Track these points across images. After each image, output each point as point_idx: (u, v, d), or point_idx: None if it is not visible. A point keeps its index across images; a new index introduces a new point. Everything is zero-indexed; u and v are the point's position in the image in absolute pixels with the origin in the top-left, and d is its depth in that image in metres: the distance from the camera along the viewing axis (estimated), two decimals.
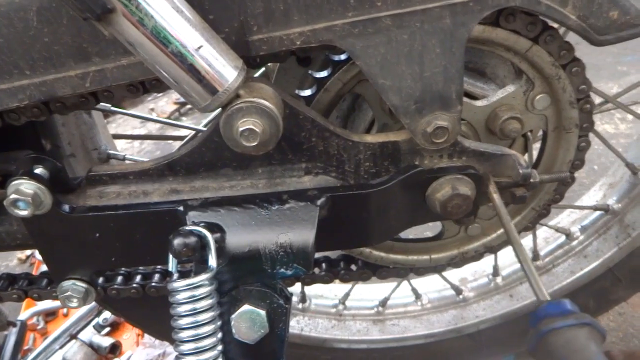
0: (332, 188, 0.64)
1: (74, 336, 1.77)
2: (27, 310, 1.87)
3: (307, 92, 0.68)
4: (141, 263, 0.69)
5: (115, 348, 1.71)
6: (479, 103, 0.70)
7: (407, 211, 0.68)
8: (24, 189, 0.59)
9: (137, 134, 1.00)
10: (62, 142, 0.84)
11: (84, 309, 1.85)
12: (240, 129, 0.55)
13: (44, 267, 2.12)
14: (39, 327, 1.89)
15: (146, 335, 1.63)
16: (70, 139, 0.86)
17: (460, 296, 1.26)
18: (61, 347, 1.74)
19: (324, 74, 0.66)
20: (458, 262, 0.87)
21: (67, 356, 1.64)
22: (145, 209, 0.64)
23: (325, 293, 1.26)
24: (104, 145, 0.95)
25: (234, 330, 0.57)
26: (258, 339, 0.57)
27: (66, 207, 0.62)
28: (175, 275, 0.54)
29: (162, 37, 0.49)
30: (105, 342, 1.71)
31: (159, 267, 0.82)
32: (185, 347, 0.53)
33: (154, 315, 1.01)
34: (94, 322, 1.80)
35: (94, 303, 1.91)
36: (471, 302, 1.26)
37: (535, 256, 1.22)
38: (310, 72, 0.68)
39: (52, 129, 0.83)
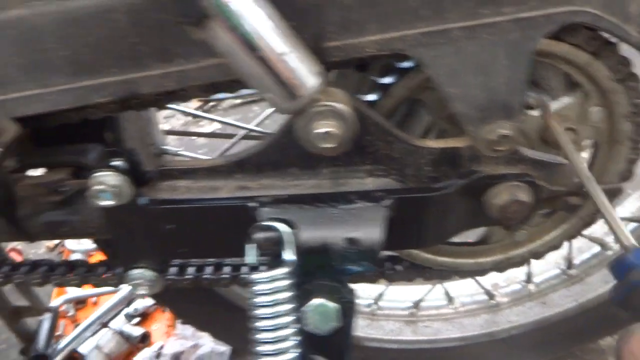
0: (397, 190, 0.66)
1: (105, 324, 1.82)
2: (58, 298, 1.93)
3: (369, 97, 0.70)
4: (209, 255, 0.72)
5: (145, 338, 1.76)
6: (534, 113, 0.72)
7: (464, 215, 0.70)
8: (108, 181, 0.62)
9: (188, 131, 1.03)
10: (124, 136, 0.87)
11: (115, 298, 1.90)
12: (318, 131, 0.57)
13: (73, 256, 2.17)
14: (69, 314, 1.94)
15: (178, 327, 1.67)
16: (132, 134, 0.89)
17: (493, 301, 1.28)
18: (93, 335, 1.79)
19: (388, 80, 0.69)
20: (503, 267, 0.89)
21: (100, 344, 1.69)
22: (216, 204, 0.67)
23: (359, 293, 1.28)
24: (158, 140, 0.99)
25: (305, 322, 0.60)
26: (329, 331, 0.60)
27: (144, 199, 0.65)
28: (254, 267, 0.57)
29: (253, 43, 0.51)
30: (136, 331, 1.75)
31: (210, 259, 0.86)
32: (264, 336, 0.56)
33: (198, 306, 1.05)
34: (124, 312, 1.85)
35: (126, 292, 1.95)
36: (504, 308, 1.28)
37: (569, 265, 1.23)
38: (372, 77, 0.71)
39: (116, 123, 0.86)
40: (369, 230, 0.62)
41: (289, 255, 0.57)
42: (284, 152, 0.67)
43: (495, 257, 0.88)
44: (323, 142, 0.58)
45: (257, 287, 0.56)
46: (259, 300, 0.56)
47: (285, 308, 0.57)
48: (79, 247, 2.13)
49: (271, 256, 0.58)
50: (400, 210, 0.66)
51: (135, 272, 0.72)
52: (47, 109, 0.63)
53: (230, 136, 1.06)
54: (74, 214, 0.70)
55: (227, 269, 0.74)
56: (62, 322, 1.91)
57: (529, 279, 1.25)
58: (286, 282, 0.56)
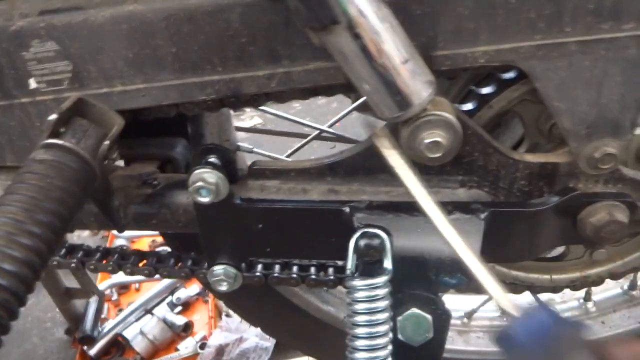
0: (494, 203, 0.65)
1: (148, 311, 1.85)
2: (103, 282, 1.97)
3: (467, 107, 0.69)
4: (295, 256, 0.72)
5: (188, 327, 1.78)
6: (636, 131, 0.70)
7: (556, 232, 0.69)
8: (208, 178, 0.62)
9: (258, 128, 1.04)
10: (205, 132, 0.88)
11: (159, 286, 1.93)
12: (426, 140, 0.57)
13: (118, 242, 2.21)
14: (112, 298, 1.98)
15: (224, 319, 1.69)
16: (212, 129, 0.90)
17: None
18: (137, 320, 1.82)
19: (488, 90, 0.67)
20: (578, 285, 0.87)
21: (145, 329, 1.72)
22: (307, 206, 0.67)
23: None
24: (233, 136, 0.99)
25: (398, 331, 0.59)
26: (422, 342, 0.59)
27: (237, 197, 0.66)
28: (352, 274, 0.56)
29: (375, 50, 0.51)
30: (179, 320, 1.78)
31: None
32: (360, 343, 0.55)
33: (260, 306, 1.05)
34: (167, 300, 1.88)
35: (170, 281, 1.97)
36: None
37: (633, 286, 1.20)
38: (472, 87, 0.70)
39: (199, 118, 0.87)
40: (467, 242, 0.61)
41: (389, 263, 0.56)
42: (379, 159, 0.66)
43: (571, 275, 0.86)
44: (429, 152, 0.58)
45: (356, 294, 0.55)
46: (357, 307, 0.56)
47: (382, 316, 0.57)
48: (122, 234, 2.17)
49: (369, 263, 0.58)
50: (492, 224, 0.65)
51: (218, 268, 0.73)
52: (151, 104, 0.64)
53: (299, 135, 1.06)
54: (164, 208, 0.71)
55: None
56: (105, 306, 1.94)
57: (587, 296, 1.22)
58: (385, 291, 0.55)
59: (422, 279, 0.60)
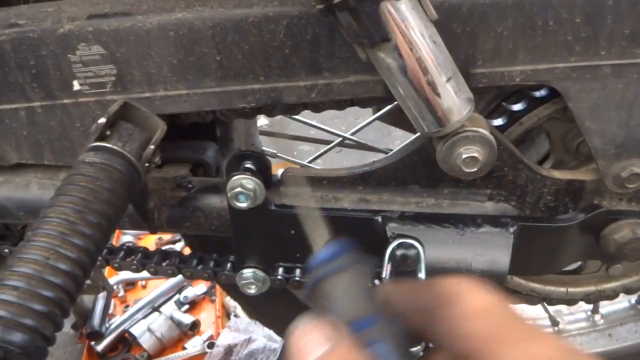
0: (523, 218, 0.67)
1: (156, 309, 1.86)
2: (111, 278, 1.98)
3: (497, 122, 0.71)
4: None
5: (195, 326, 1.80)
6: None
7: (580, 247, 0.71)
8: (246, 184, 0.64)
9: (279, 133, 1.05)
10: (234, 136, 0.90)
11: (167, 284, 1.94)
12: (464, 156, 0.58)
13: (124, 238, 2.22)
14: (119, 294, 1.99)
15: (232, 319, 1.70)
16: (240, 134, 0.92)
17: (556, 328, 1.27)
18: (144, 317, 1.83)
19: (519, 107, 0.69)
20: (593, 298, 0.89)
21: (153, 327, 1.73)
22: (339, 214, 0.68)
23: None
24: (257, 141, 1.01)
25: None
26: None
27: (272, 203, 0.67)
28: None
29: (421, 68, 0.53)
30: (187, 319, 1.79)
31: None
32: None
33: (276, 310, 1.07)
34: (174, 298, 1.89)
35: (177, 280, 1.99)
36: (567, 336, 1.27)
37: None
38: (503, 103, 0.72)
39: (229, 123, 0.89)
40: (497, 255, 0.63)
41: (423, 274, 0.58)
42: (411, 170, 0.68)
43: (586, 288, 0.88)
44: (466, 167, 0.59)
45: None
46: None
47: None
48: (130, 230, 2.18)
49: (402, 273, 0.60)
50: (519, 237, 0.67)
51: (248, 271, 0.74)
52: (192, 110, 0.66)
53: (317, 141, 1.08)
54: (198, 211, 0.73)
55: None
56: (112, 302, 1.96)
57: (595, 309, 1.24)
58: None
59: None
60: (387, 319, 0.36)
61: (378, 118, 1.03)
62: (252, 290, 0.75)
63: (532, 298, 0.90)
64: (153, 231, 0.75)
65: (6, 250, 0.87)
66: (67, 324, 1.93)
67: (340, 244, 0.40)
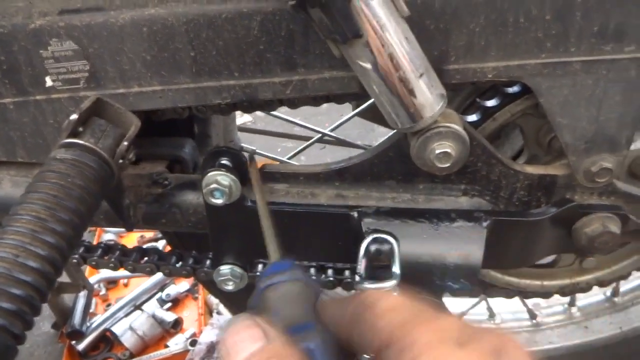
0: (496, 212, 0.68)
1: (138, 307, 1.85)
2: (92, 277, 1.96)
3: (471, 118, 0.72)
4: (302, 258, 0.74)
5: (177, 323, 1.79)
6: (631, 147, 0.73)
7: (552, 241, 0.72)
8: (222, 180, 0.64)
9: (260, 129, 1.05)
10: (212, 132, 0.90)
11: (149, 282, 1.93)
12: (437, 151, 0.59)
13: (106, 236, 2.19)
14: (101, 293, 1.97)
15: (214, 316, 1.70)
16: (218, 130, 0.92)
17: (534, 320, 1.29)
18: (126, 316, 1.82)
19: (493, 103, 0.70)
20: (568, 291, 0.90)
21: (134, 325, 1.72)
22: (316, 210, 0.68)
23: None
24: (236, 137, 1.01)
25: None
26: None
27: (248, 200, 0.67)
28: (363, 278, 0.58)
29: (394, 65, 0.53)
30: (169, 317, 1.78)
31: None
32: None
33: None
34: (157, 296, 1.88)
35: (159, 277, 1.97)
36: (544, 328, 1.29)
37: (615, 292, 1.24)
38: (477, 100, 0.72)
39: (207, 119, 0.88)
40: (471, 249, 0.63)
41: (397, 268, 0.59)
42: (387, 166, 0.68)
43: (561, 282, 0.90)
44: (439, 162, 0.60)
45: None
46: None
47: None
48: (111, 228, 2.16)
49: (377, 267, 0.60)
50: (493, 232, 0.68)
51: (225, 268, 0.74)
52: (166, 106, 0.65)
53: (300, 138, 1.08)
54: (174, 207, 0.72)
55: (330, 272, 0.75)
56: (93, 301, 1.94)
57: (572, 302, 1.26)
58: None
59: (427, 284, 0.63)
60: (321, 327, 0.40)
61: (358, 114, 1.03)
62: (230, 287, 0.75)
63: (508, 291, 0.91)
64: (129, 228, 0.74)
65: None
66: (48, 323, 1.91)
67: (289, 261, 0.45)
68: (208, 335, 1.60)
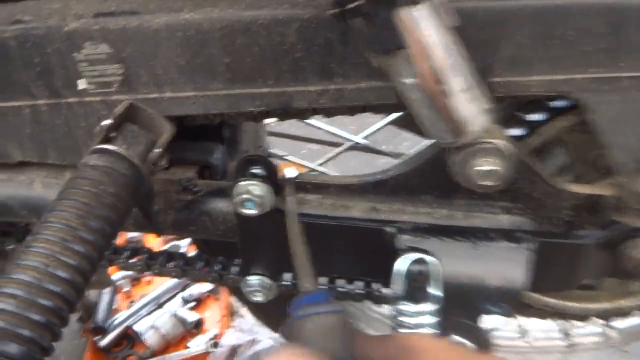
0: (540, 233, 0.65)
1: (160, 305, 1.85)
2: (117, 273, 1.97)
3: (514, 132, 0.69)
4: (333, 272, 0.72)
5: (199, 324, 1.79)
6: None
7: (598, 264, 0.68)
8: (254, 190, 0.62)
9: (291, 134, 1.03)
10: (242, 138, 0.88)
11: (172, 280, 1.93)
12: (480, 168, 0.56)
13: (130, 234, 2.20)
14: (124, 289, 1.98)
15: (237, 319, 1.69)
16: (248, 136, 0.90)
17: (569, 341, 1.24)
18: (148, 314, 1.82)
19: (537, 117, 0.67)
20: (609, 315, 0.86)
21: (157, 324, 1.72)
22: (349, 224, 0.66)
23: None
24: (266, 143, 0.99)
25: None
26: None
27: (281, 211, 0.66)
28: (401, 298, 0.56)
29: (437, 76, 0.51)
30: (191, 317, 1.78)
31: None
32: None
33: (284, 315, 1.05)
34: (180, 295, 1.88)
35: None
36: (580, 350, 1.24)
37: None
38: (519, 113, 0.69)
39: (237, 124, 0.87)
40: (512, 271, 0.60)
41: (436, 289, 0.56)
42: (424, 180, 0.66)
43: (603, 305, 0.85)
44: (482, 180, 0.57)
45: (401, 320, 0.55)
46: (401, 332, 0.55)
47: None
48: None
49: (415, 288, 0.58)
50: (536, 253, 0.65)
51: (254, 278, 0.72)
52: (199, 112, 0.64)
53: (331, 144, 1.06)
54: (204, 215, 0.71)
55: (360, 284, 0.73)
56: (117, 297, 1.95)
57: (609, 324, 1.21)
58: (432, 320, 0.55)
59: (464, 306, 0.60)
60: None
61: (391, 122, 1.00)
62: (258, 298, 0.73)
63: (544, 312, 0.87)
64: (158, 234, 0.73)
65: (10, 247, 0.86)
66: (73, 317, 1.93)
67: (325, 292, 0.49)
68: (230, 338, 1.59)
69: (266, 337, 1.57)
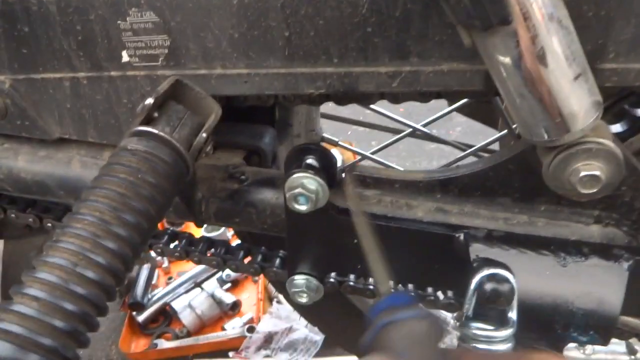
0: (638, 249, 0.55)
1: (198, 284, 1.83)
2: None
3: (615, 129, 0.58)
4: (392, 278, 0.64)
5: (235, 306, 1.76)
6: None
7: None
8: (308, 184, 0.55)
9: (345, 117, 0.95)
10: (294, 121, 0.81)
11: None
12: (582, 173, 0.47)
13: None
14: (163, 265, 1.97)
15: (274, 305, 1.65)
16: (300, 119, 0.83)
17: (633, 357, 1.13)
18: (186, 292, 1.81)
19: None
20: None
21: (194, 304, 1.70)
22: (411, 226, 0.58)
23: None
24: (318, 126, 0.92)
25: None
26: None
27: (337, 208, 0.58)
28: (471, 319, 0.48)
29: (546, 59, 0.41)
30: (228, 298, 1.75)
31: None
32: None
33: (326, 312, 0.98)
34: (217, 275, 1.86)
35: None
36: None
37: None
38: (626, 107, 0.59)
39: (289, 107, 0.80)
40: (606, 295, 0.51)
41: (514, 313, 0.48)
42: (504, 181, 0.57)
43: None
44: (583, 187, 0.48)
45: (471, 342, 0.47)
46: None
47: None
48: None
49: (490, 310, 0.49)
50: (633, 273, 0.55)
51: (300, 278, 0.66)
52: (251, 92, 0.57)
53: (386, 130, 0.98)
54: (249, 206, 0.64)
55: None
56: (155, 273, 1.94)
57: None
58: (505, 346, 0.47)
59: (546, 332, 0.51)
60: None
61: (455, 109, 0.91)
62: (304, 300, 0.66)
63: (623, 332, 0.77)
64: (199, 224, 0.67)
65: (49, 224, 0.82)
66: None
67: (406, 294, 0.44)
68: (266, 325, 1.55)
69: (302, 325, 1.52)
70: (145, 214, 0.45)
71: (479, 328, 0.47)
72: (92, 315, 0.41)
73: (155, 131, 0.48)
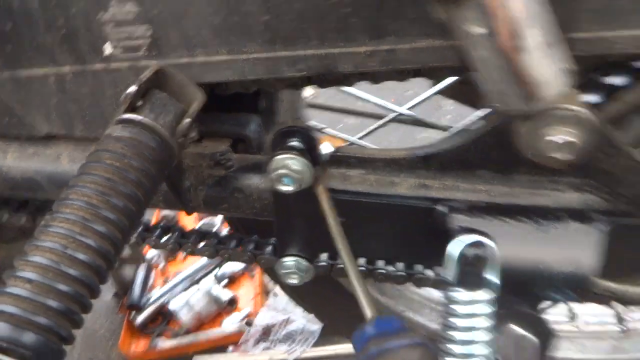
0: (617, 213, 0.57)
1: (195, 282, 1.84)
2: (151, 250, 1.97)
3: (588, 98, 0.60)
4: (378, 255, 0.66)
5: (233, 302, 1.77)
6: None
7: None
8: (292, 165, 0.56)
9: (331, 106, 0.97)
10: (279, 108, 0.82)
11: (206, 258, 1.91)
12: (554, 139, 0.48)
13: (164, 211, 2.19)
14: (160, 265, 1.98)
15: (271, 298, 1.66)
16: (285, 106, 0.84)
17: (623, 326, 1.16)
18: (184, 290, 1.81)
19: (619, 81, 0.58)
20: None
21: (191, 302, 1.71)
22: (395, 202, 0.60)
23: None
24: (303, 114, 0.93)
25: (498, 351, 0.52)
26: None
27: (322, 187, 0.59)
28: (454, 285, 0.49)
29: (516, 28, 0.43)
30: (225, 295, 1.76)
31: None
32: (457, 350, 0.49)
33: (319, 296, 1.00)
34: (214, 273, 1.87)
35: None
36: (635, 336, 1.16)
37: None
38: (594, 76, 0.60)
39: (274, 93, 0.81)
40: (583, 256, 0.53)
41: (493, 276, 0.49)
42: (482, 154, 0.58)
43: None
44: (555, 152, 0.49)
45: (453, 307, 0.49)
46: (453, 320, 0.49)
47: (480, 336, 0.50)
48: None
49: (470, 274, 0.51)
50: (612, 237, 0.57)
51: (289, 260, 0.67)
52: (234, 78, 0.58)
53: (372, 116, 0.99)
54: (237, 192, 0.66)
55: (401, 266, 0.66)
56: (152, 273, 1.95)
57: None
58: (488, 309, 0.48)
59: (524, 293, 0.53)
60: None
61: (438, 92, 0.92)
62: (295, 280, 0.68)
63: (604, 298, 0.79)
64: (188, 212, 0.68)
65: (23, 219, 0.83)
66: (109, 292, 1.94)
67: (396, 320, 0.41)
68: (264, 317, 1.56)
69: (300, 316, 1.53)
70: (132, 197, 0.46)
71: (460, 292, 0.48)
72: (85, 296, 0.42)
73: (139, 117, 0.49)
